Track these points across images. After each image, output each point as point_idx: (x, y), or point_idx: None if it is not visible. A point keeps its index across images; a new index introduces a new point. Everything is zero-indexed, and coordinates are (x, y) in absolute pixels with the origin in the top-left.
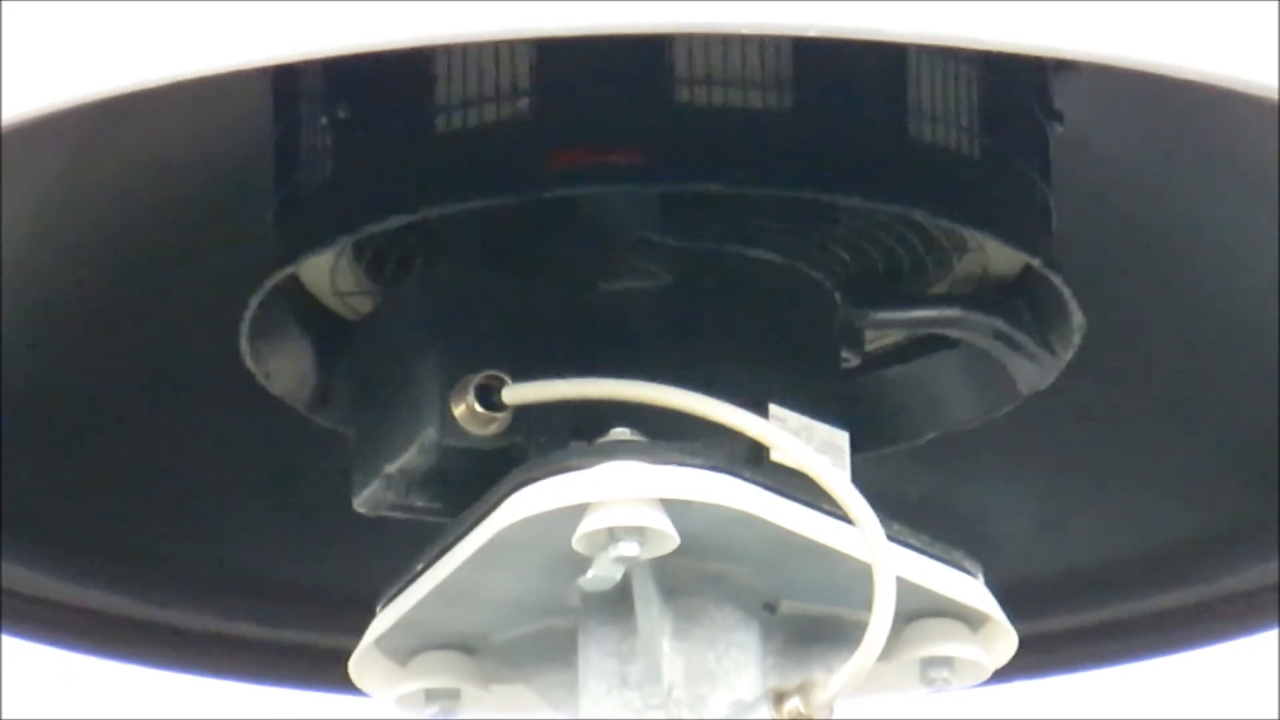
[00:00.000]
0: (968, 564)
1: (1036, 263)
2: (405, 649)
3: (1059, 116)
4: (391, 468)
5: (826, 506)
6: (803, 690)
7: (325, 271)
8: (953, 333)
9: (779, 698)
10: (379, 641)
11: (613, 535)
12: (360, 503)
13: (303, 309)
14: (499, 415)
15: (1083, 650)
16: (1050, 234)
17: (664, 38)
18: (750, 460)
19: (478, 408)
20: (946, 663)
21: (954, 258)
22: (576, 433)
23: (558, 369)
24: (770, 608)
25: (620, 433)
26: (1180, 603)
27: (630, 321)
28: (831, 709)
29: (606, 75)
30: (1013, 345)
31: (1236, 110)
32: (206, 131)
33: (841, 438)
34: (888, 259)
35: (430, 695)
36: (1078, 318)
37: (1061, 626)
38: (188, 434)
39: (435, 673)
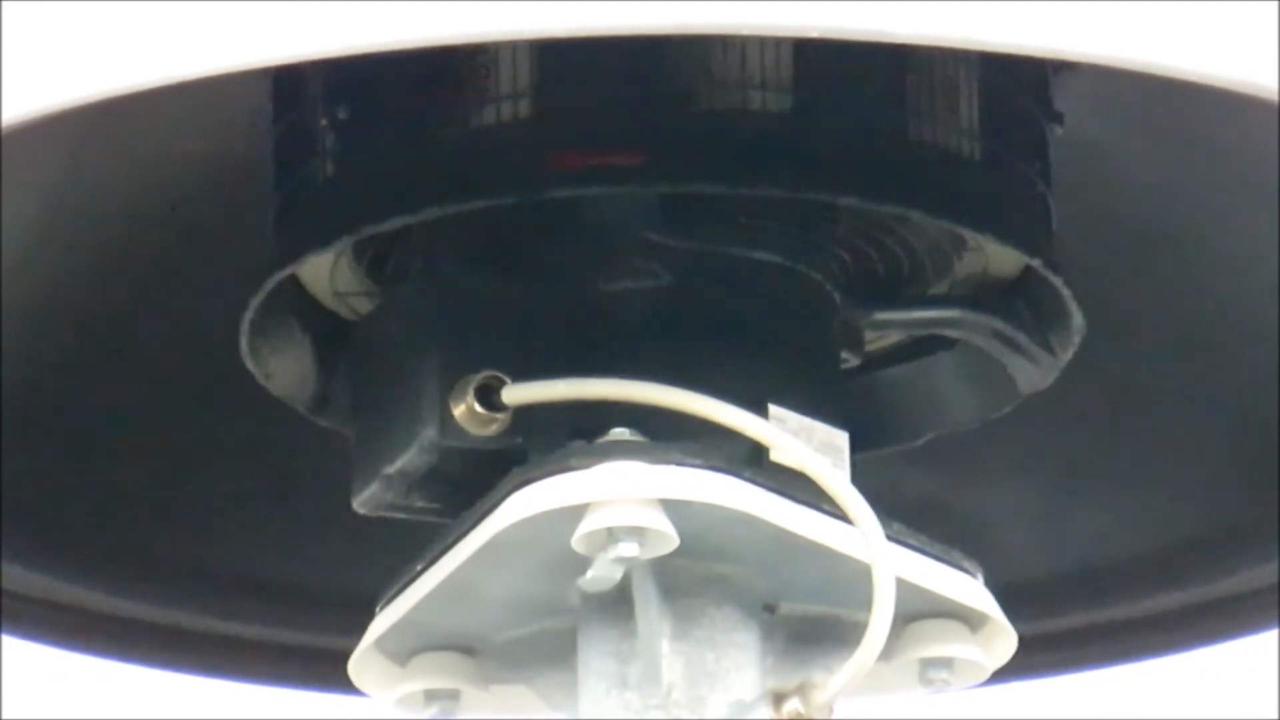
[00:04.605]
0: (967, 564)
1: (1036, 263)
2: (405, 649)
3: (1059, 117)
4: (391, 468)
5: (826, 507)
6: (802, 691)
7: (325, 272)
8: (952, 333)
9: (778, 698)
10: (379, 642)
11: (612, 535)
12: (360, 503)
13: (303, 309)
14: (499, 416)
15: (1083, 650)
16: (1050, 235)
17: (664, 39)
18: (750, 460)
19: (478, 408)
20: (946, 663)
21: (954, 258)
22: (576, 433)
23: (557, 369)
24: (770, 608)
25: (620, 433)
26: (1180, 603)
27: (630, 322)
28: (831, 709)
29: (607, 76)
30: (1012, 346)
31: (1236, 110)
32: (206, 132)
33: (841, 438)
34: (887, 260)
35: (430, 696)
36: (1078, 318)
37: (1061, 627)
38: (187, 434)
39: (435, 673)
